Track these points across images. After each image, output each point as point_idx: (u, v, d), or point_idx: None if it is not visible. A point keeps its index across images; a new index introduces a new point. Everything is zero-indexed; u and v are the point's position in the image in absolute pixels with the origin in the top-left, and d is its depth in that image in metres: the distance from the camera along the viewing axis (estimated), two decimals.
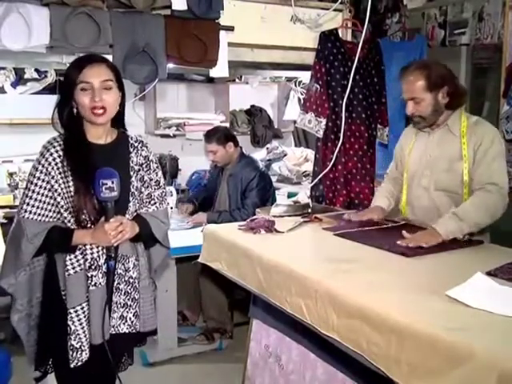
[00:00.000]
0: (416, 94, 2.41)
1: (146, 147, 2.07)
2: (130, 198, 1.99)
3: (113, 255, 1.92)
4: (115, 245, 1.91)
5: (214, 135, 3.81)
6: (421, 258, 2.01)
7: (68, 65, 1.99)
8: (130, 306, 2.02)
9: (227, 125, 4.82)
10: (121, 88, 1.96)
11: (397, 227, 2.48)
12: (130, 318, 2.02)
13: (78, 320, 1.91)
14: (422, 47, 4.03)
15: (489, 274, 1.76)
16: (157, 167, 2.10)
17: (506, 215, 2.34)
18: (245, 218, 3.43)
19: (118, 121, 2.01)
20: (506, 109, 3.44)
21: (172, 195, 3.73)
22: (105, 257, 1.93)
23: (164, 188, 2.13)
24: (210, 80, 4.81)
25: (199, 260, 2.52)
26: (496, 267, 1.82)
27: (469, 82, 3.90)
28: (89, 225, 1.90)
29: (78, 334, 1.91)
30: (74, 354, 1.91)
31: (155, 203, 2.08)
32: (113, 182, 1.83)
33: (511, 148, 3.49)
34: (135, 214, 2.04)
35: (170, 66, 3.11)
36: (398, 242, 2.17)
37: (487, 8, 3.79)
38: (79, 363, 1.92)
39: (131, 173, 2.00)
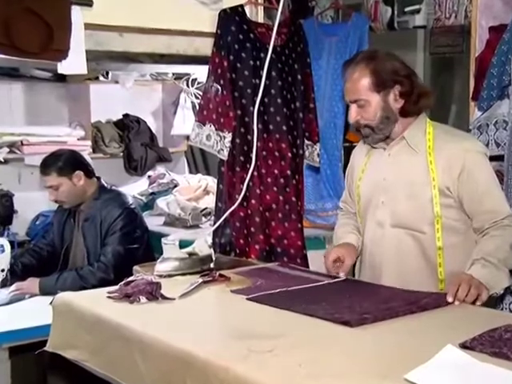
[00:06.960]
0: (360, 94, 2.53)
1: None
2: None
3: None
4: None
5: (53, 163, 3.71)
6: (368, 326, 2.05)
7: None
8: None
9: (88, 143, 4.79)
10: None
11: (335, 284, 2.54)
12: None
13: None
14: (362, 31, 4.17)
15: (464, 346, 1.81)
16: None
17: None
18: (101, 276, 3.36)
19: None
20: (477, 115, 3.58)
21: (4, 251, 3.58)
22: None
23: None
24: (61, 78, 4.76)
25: (46, 348, 2.48)
26: (473, 336, 1.88)
27: (428, 78, 4.09)
28: None
29: None
30: None
31: None
32: None
33: None
34: None
35: None
36: (449, 299, 2.27)
37: None
38: None
39: None
